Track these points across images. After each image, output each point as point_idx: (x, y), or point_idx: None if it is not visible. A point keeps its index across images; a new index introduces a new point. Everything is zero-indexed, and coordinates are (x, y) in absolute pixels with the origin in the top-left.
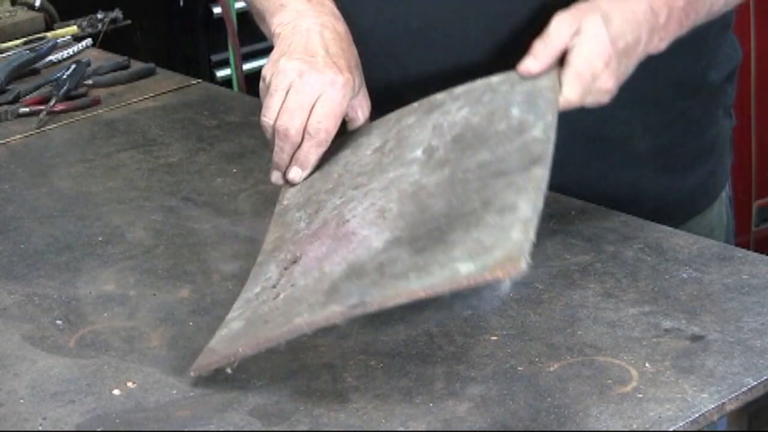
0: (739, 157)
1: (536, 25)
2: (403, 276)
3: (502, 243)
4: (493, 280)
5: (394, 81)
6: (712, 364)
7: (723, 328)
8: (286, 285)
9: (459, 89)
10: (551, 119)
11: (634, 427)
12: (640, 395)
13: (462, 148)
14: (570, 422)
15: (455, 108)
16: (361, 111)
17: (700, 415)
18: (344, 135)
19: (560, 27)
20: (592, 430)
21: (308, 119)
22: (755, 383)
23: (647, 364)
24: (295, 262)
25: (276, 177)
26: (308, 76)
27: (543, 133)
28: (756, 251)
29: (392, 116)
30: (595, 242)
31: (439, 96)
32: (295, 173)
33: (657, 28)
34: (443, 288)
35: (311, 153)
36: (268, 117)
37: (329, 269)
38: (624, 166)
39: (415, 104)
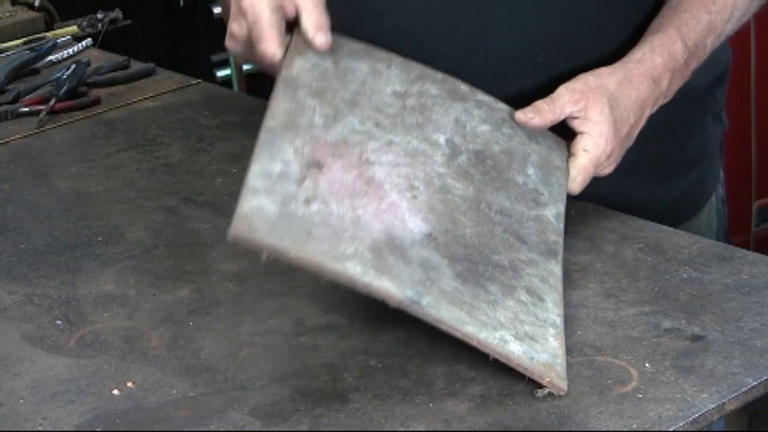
0: (739, 157)
1: (507, 38)
2: (456, 305)
3: (542, 342)
4: (537, 378)
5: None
6: (712, 364)
7: (723, 328)
8: (316, 196)
9: (481, 96)
10: (562, 209)
11: (634, 427)
12: (640, 395)
13: (483, 172)
14: (570, 422)
15: (477, 116)
16: None
17: (700, 415)
18: (359, 44)
19: (566, 100)
20: (592, 430)
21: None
22: (755, 383)
23: (647, 364)
24: (318, 168)
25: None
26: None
27: (556, 220)
28: (756, 251)
29: (413, 68)
30: (595, 242)
31: (464, 87)
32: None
33: (660, 95)
34: (493, 353)
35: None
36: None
37: (364, 217)
38: (605, 177)
39: (439, 75)
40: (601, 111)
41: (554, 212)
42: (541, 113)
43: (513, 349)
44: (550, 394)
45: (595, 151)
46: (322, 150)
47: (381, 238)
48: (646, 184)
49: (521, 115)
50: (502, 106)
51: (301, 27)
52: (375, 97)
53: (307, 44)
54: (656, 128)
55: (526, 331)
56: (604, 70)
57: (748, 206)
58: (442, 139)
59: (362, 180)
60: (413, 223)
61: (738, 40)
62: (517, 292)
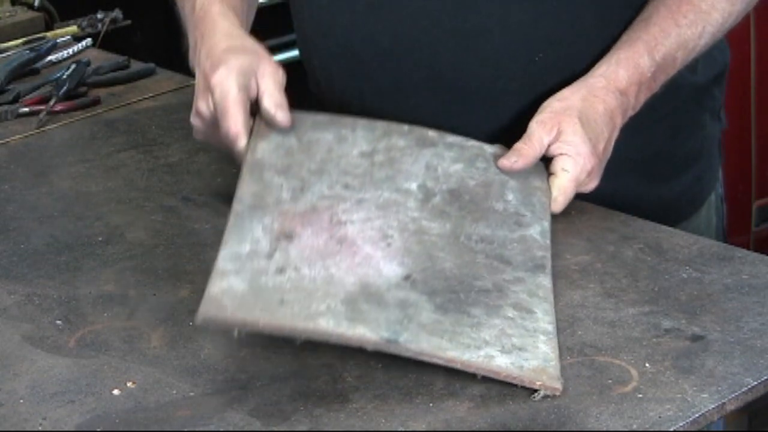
0: (739, 157)
1: (504, 39)
2: (436, 335)
3: (532, 349)
4: (528, 384)
5: (366, 98)
6: (712, 364)
7: (723, 328)
8: (287, 265)
9: (451, 138)
10: (547, 225)
11: (634, 427)
12: (640, 395)
13: (460, 208)
14: (570, 422)
15: (448, 157)
16: (265, 82)
17: (700, 415)
18: (322, 116)
19: (540, 133)
20: (592, 430)
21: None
22: (755, 383)
23: (647, 364)
24: (288, 238)
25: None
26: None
27: (541, 237)
28: (756, 251)
29: (379, 126)
30: (595, 242)
31: (431, 133)
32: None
33: (629, 106)
34: (479, 370)
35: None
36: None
37: (337, 274)
38: (604, 176)
39: (405, 127)
40: (575, 131)
41: (539, 230)
42: (523, 155)
43: (500, 362)
44: (546, 396)
45: (574, 170)
46: (291, 221)
47: (355, 289)
48: (645, 182)
49: (505, 162)
50: (473, 143)
51: (262, 107)
52: (342, 162)
53: (269, 122)
54: (654, 126)
55: (514, 343)
56: (566, 92)
57: (748, 206)
58: (414, 186)
59: (334, 241)
60: (389, 269)
61: (737, 39)
62: (504, 310)
